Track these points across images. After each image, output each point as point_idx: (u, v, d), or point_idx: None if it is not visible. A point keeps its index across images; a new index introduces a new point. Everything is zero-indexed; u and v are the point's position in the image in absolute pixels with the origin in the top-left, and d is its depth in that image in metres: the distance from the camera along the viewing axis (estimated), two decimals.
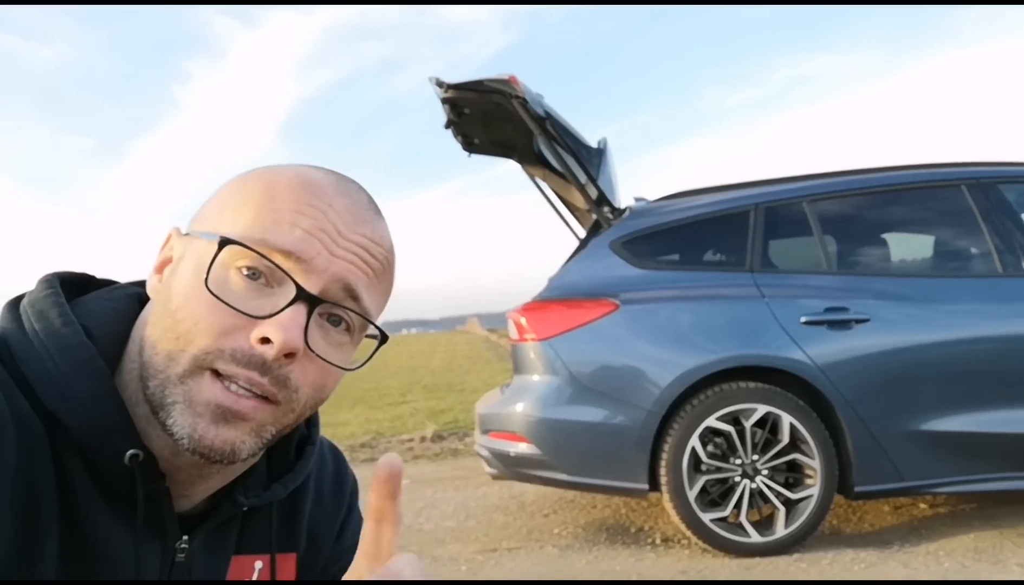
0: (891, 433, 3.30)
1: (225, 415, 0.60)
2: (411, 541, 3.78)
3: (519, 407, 3.57)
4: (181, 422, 0.59)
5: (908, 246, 3.95)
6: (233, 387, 0.60)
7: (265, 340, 0.60)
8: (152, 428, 0.62)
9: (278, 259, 0.61)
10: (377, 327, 0.69)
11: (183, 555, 0.68)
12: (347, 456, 0.83)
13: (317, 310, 0.63)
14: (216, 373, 0.60)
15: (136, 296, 0.71)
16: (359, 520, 0.86)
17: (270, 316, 0.60)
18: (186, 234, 0.67)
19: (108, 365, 0.63)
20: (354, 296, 0.65)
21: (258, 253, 0.61)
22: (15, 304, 0.66)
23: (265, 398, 0.61)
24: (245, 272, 0.61)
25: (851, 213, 3.76)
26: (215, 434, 0.60)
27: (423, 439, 6.88)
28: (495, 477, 3.79)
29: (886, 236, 3.85)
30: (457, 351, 23.84)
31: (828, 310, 3.39)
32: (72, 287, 0.70)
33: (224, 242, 0.61)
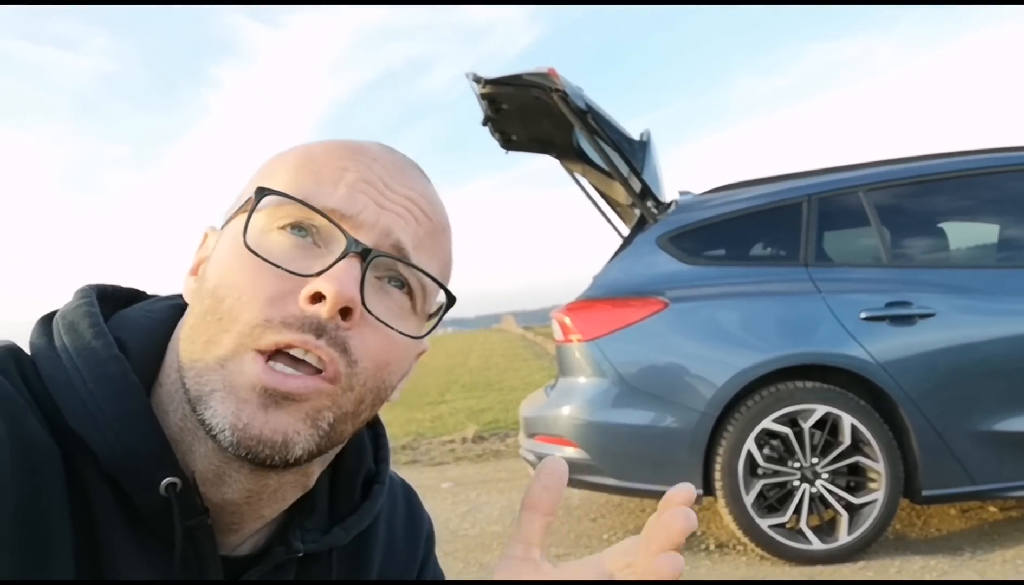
0: (960, 434, 3.12)
1: (274, 397, 0.51)
2: (457, 547, 3.70)
3: (565, 410, 3.47)
4: (222, 411, 0.51)
5: (971, 236, 3.76)
6: (279, 366, 0.51)
7: (318, 297, 0.51)
8: (197, 442, 0.54)
9: (324, 213, 0.55)
10: (441, 285, 0.60)
11: None
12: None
13: (373, 270, 0.55)
14: (260, 353, 0.52)
15: (179, 307, 0.63)
16: (437, 569, 0.77)
17: (320, 273, 0.52)
18: (222, 228, 0.60)
19: (145, 383, 0.55)
20: (404, 254, 0.57)
21: (301, 203, 0.54)
22: (48, 318, 0.58)
23: (319, 372, 0.52)
24: (290, 230, 0.55)
25: (910, 202, 3.57)
26: (264, 421, 0.51)
27: (464, 440, 6.81)
28: None
29: (947, 226, 3.66)
30: (494, 349, 23.81)
31: (890, 304, 3.22)
32: (117, 301, 0.63)
33: (262, 192, 0.55)
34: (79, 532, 0.50)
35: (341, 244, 0.54)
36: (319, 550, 0.63)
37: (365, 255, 0.54)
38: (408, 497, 0.77)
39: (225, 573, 0.58)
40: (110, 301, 0.62)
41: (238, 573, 0.59)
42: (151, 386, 0.57)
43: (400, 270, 0.57)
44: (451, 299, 0.61)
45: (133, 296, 0.66)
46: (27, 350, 0.56)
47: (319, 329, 0.52)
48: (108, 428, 0.51)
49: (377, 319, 0.55)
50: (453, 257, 0.64)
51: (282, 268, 0.53)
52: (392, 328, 0.56)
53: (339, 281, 0.51)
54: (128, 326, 0.58)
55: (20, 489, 0.47)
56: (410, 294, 0.58)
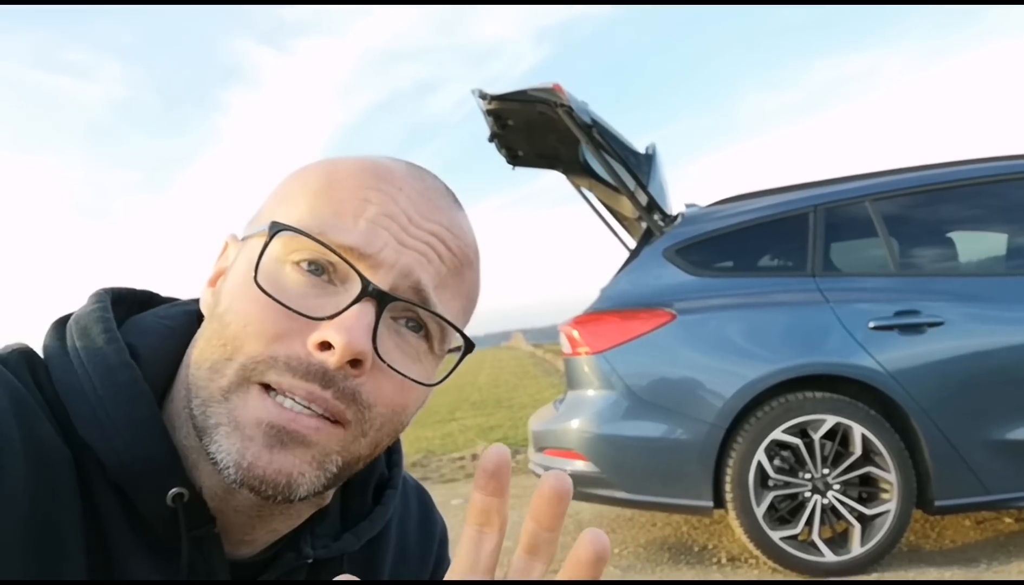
0: (973, 443, 3.09)
1: (280, 437, 0.49)
2: None
3: (574, 423, 3.46)
4: (227, 447, 0.50)
5: (979, 244, 3.74)
6: (288, 403, 0.50)
7: (326, 345, 0.50)
8: (203, 461, 0.53)
9: (340, 253, 0.52)
10: (458, 330, 0.57)
11: None
12: None
13: (390, 312, 0.53)
14: (266, 387, 0.50)
15: (195, 314, 0.62)
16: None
17: (331, 317, 0.50)
18: (243, 239, 0.59)
19: (157, 391, 0.55)
20: (423, 297, 0.55)
21: (316, 241, 0.52)
22: (62, 321, 0.58)
23: (328, 418, 0.51)
24: (305, 266, 0.53)
25: (917, 211, 3.56)
26: (268, 461, 0.49)
27: (474, 457, 6.79)
28: None
29: (954, 235, 3.65)
30: (504, 367, 23.76)
31: (898, 314, 3.21)
32: (132, 305, 0.62)
33: (275, 228, 0.52)
34: (89, 536, 0.50)
35: (357, 284, 0.52)
36: (330, 556, 0.61)
37: (381, 299, 0.52)
38: (422, 500, 0.76)
39: (235, 578, 0.57)
40: (124, 304, 0.61)
41: (249, 577, 0.59)
42: (163, 395, 0.57)
43: (419, 312, 0.56)
44: (469, 345, 0.58)
45: (148, 299, 0.65)
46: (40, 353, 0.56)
47: (326, 379, 0.50)
48: (116, 435, 0.51)
49: (391, 367, 0.53)
50: (479, 289, 0.62)
51: (292, 309, 0.51)
52: (406, 377, 0.54)
53: (349, 332, 0.49)
54: (141, 332, 0.58)
55: (33, 492, 0.47)
56: (427, 336, 0.57)
